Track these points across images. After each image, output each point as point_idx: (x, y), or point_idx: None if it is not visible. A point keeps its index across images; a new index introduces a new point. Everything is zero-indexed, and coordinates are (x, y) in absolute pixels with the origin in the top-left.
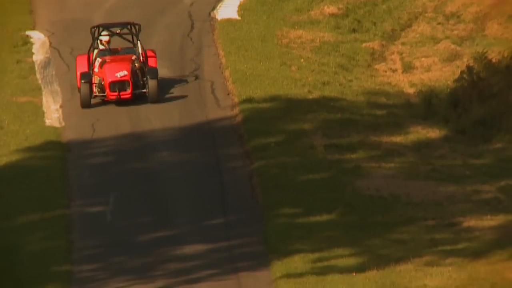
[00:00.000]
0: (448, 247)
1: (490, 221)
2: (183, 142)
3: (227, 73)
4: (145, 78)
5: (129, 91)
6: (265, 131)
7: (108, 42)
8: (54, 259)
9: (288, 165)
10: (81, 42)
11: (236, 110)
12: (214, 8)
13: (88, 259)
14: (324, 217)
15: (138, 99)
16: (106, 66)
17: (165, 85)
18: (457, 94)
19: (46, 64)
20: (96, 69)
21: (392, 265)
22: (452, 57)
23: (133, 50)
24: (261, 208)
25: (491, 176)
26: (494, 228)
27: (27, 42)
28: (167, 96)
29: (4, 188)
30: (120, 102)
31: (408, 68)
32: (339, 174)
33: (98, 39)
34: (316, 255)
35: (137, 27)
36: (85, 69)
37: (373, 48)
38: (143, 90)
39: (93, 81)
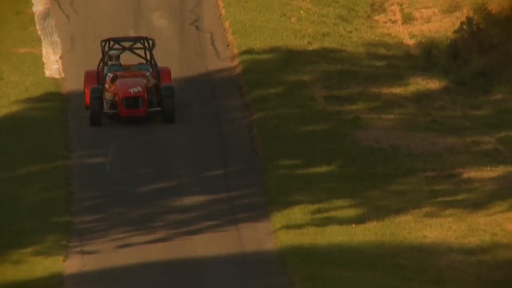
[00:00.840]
0: (448, 198)
1: (490, 172)
2: (183, 93)
3: (226, 24)
4: (159, 96)
5: (143, 108)
6: (264, 82)
7: (119, 57)
8: (54, 210)
9: (288, 117)
10: None
11: (236, 62)
12: None
13: (87, 210)
14: (324, 168)
15: (152, 117)
16: (119, 81)
17: (165, 36)
18: (457, 45)
19: (46, 15)
20: (107, 85)
21: (392, 216)
22: (452, 8)
23: (146, 66)
24: (260, 159)
25: (491, 127)
26: (494, 179)
27: None
28: (167, 47)
29: (4, 139)
30: (132, 121)
31: (408, 19)
32: (339, 126)
33: (108, 53)
34: (316, 206)
35: (150, 42)
36: (94, 84)
37: None
38: (158, 108)
39: (104, 97)
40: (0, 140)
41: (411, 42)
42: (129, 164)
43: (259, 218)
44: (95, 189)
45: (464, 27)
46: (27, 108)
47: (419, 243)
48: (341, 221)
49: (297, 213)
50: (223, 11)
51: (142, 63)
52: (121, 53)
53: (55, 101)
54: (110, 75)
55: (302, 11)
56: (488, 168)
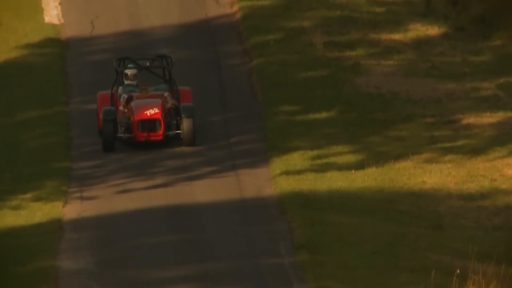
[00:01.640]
0: (447, 144)
1: (489, 118)
2: (182, 40)
3: None
4: (179, 117)
5: (160, 131)
6: (264, 28)
7: (136, 77)
8: (53, 155)
9: (287, 63)
10: None
11: (235, 8)
12: None
13: (87, 156)
14: (323, 115)
15: (171, 142)
16: (134, 103)
17: None
18: None
19: None
20: (121, 107)
21: (391, 162)
22: None
23: (164, 86)
24: (260, 105)
25: (490, 73)
26: (493, 125)
27: None
28: None
29: (4, 85)
30: (149, 145)
31: None
32: (338, 72)
33: (123, 73)
34: (315, 152)
35: (169, 59)
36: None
37: None
38: (177, 131)
39: (117, 120)
40: None
41: None
42: None
43: (258, 164)
44: (94, 135)
45: None
46: (27, 54)
47: (418, 189)
48: (340, 167)
49: (297, 159)
50: None
51: (161, 84)
52: (138, 72)
53: (54, 47)
54: (125, 96)
55: None
56: (488, 114)
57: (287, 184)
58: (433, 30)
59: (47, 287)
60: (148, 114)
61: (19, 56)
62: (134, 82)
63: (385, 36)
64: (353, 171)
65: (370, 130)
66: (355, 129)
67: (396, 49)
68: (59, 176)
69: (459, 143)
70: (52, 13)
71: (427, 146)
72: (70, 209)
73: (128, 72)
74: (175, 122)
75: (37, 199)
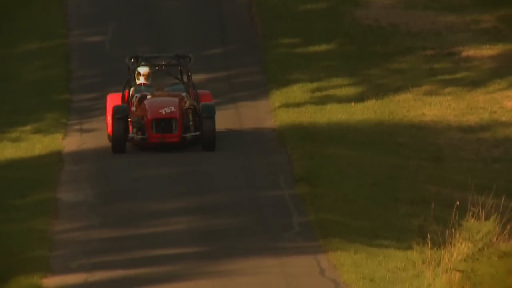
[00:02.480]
0: (447, 77)
1: (489, 50)
2: None
3: None
4: (197, 118)
5: (177, 133)
6: None
7: (149, 76)
8: (53, 88)
9: None
10: None
11: None
12: None
13: (86, 88)
14: (323, 47)
15: (188, 145)
16: (148, 101)
17: None
18: None
19: None
20: (133, 108)
21: (391, 95)
22: None
23: (181, 86)
24: (260, 38)
25: (490, 6)
26: (493, 57)
27: None
28: None
29: (2, 16)
30: (164, 148)
31: None
32: (338, 4)
33: (135, 71)
34: (315, 84)
35: (187, 59)
36: None
37: None
38: (195, 133)
39: (130, 120)
40: None
41: None
42: (128, 42)
43: (258, 97)
44: (94, 67)
45: None
46: None
47: (418, 121)
48: (340, 100)
49: (297, 91)
50: None
51: (177, 83)
52: (152, 71)
53: None
54: (137, 95)
55: None
56: (487, 46)
57: (287, 117)
58: None
59: (47, 219)
60: (164, 112)
61: None
62: (147, 82)
63: None
64: (352, 104)
65: (370, 63)
66: (355, 62)
67: None
68: (58, 108)
69: (458, 75)
70: None
71: (426, 79)
72: (70, 142)
73: (141, 70)
74: (192, 124)
75: (37, 131)
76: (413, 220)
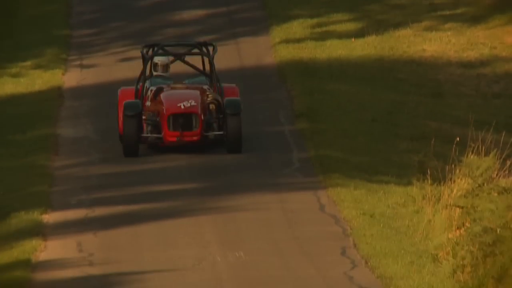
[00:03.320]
0: (447, 12)
1: None
2: None
3: None
4: (221, 115)
5: (197, 130)
6: None
7: (167, 67)
8: (53, 23)
9: None
10: None
11: None
12: None
13: (86, 23)
14: None
15: (211, 145)
16: (164, 94)
17: None
18: None
19: None
20: (148, 102)
21: (391, 30)
22: None
23: (203, 79)
24: None
25: None
26: None
27: None
28: None
29: None
30: (182, 148)
31: None
32: None
33: (151, 61)
34: (315, 20)
35: (210, 48)
36: None
37: None
38: (219, 132)
39: (143, 117)
40: None
41: None
42: None
43: (258, 32)
44: (94, 3)
45: None
46: None
47: (418, 57)
48: (340, 35)
49: (297, 27)
50: None
51: (198, 75)
52: (171, 62)
53: None
54: (153, 88)
55: None
56: None
57: (287, 52)
58: None
59: (47, 155)
60: (182, 107)
61: None
62: (165, 74)
63: None
64: (352, 39)
65: None
66: None
67: None
68: (58, 43)
69: (459, 10)
70: None
71: (427, 14)
72: (70, 77)
73: (158, 61)
74: (216, 121)
75: (37, 66)
76: (413, 156)
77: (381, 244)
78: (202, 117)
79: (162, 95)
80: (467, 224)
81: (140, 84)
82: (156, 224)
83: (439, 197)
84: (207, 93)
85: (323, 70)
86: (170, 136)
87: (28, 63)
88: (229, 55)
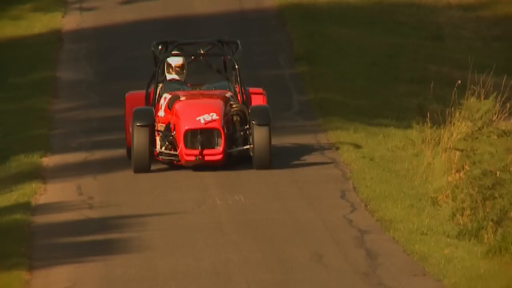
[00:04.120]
0: None
1: None
2: None
3: None
4: (247, 126)
5: (219, 148)
6: None
7: (183, 68)
8: None
9: None
10: None
11: None
12: None
13: None
14: None
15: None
16: (181, 105)
17: None
18: None
19: None
20: (161, 112)
21: None
22: None
23: (226, 84)
24: None
25: None
26: None
27: None
28: None
29: None
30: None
31: None
32: None
33: (164, 61)
34: None
35: (233, 46)
36: None
37: None
38: (245, 147)
39: (156, 129)
40: None
41: None
42: None
43: None
44: None
45: None
46: None
47: (418, 0)
48: None
49: None
50: None
51: (219, 79)
52: (187, 62)
53: None
54: (167, 95)
55: None
56: None
57: None
58: None
59: (47, 98)
60: (202, 121)
61: None
62: (181, 77)
63: None
64: None
65: None
66: None
67: None
68: None
69: None
70: None
71: None
72: (70, 20)
73: (173, 61)
74: (241, 134)
75: (37, 9)
76: (412, 99)
77: (380, 187)
78: (225, 132)
79: (178, 106)
80: (467, 167)
81: (152, 88)
82: (155, 167)
83: (439, 140)
84: (231, 102)
85: (323, 13)
86: (188, 155)
87: (28, 5)
88: None
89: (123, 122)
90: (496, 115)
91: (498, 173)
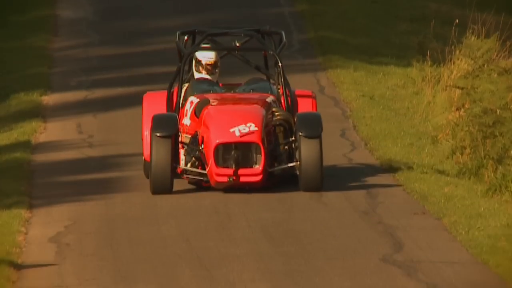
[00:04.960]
0: None
1: None
2: None
3: None
4: (292, 139)
5: (259, 167)
6: None
7: (216, 66)
8: None
9: None
10: None
11: None
12: None
13: None
14: None
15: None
16: (211, 112)
17: None
18: None
19: None
20: (186, 120)
21: None
22: None
23: (266, 84)
24: None
25: None
26: None
27: None
28: None
29: None
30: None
31: None
32: None
33: (192, 56)
34: None
35: (276, 38)
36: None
37: None
38: (290, 165)
39: (180, 140)
40: None
41: None
42: None
43: None
44: None
45: None
46: None
47: None
48: None
49: None
50: None
51: (259, 79)
52: (221, 56)
53: None
54: (194, 99)
55: None
56: None
57: None
58: None
59: (46, 36)
60: (238, 133)
61: None
62: (212, 77)
63: None
64: None
65: None
66: None
67: None
68: None
69: None
70: None
71: None
72: None
73: (202, 57)
74: (286, 148)
75: None
76: (412, 37)
77: (380, 126)
78: (266, 146)
79: (207, 113)
80: (467, 105)
81: (175, 88)
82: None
83: (439, 78)
84: (273, 109)
85: None
86: (219, 175)
87: None
88: None
89: (123, 60)
90: (497, 53)
91: (498, 111)
